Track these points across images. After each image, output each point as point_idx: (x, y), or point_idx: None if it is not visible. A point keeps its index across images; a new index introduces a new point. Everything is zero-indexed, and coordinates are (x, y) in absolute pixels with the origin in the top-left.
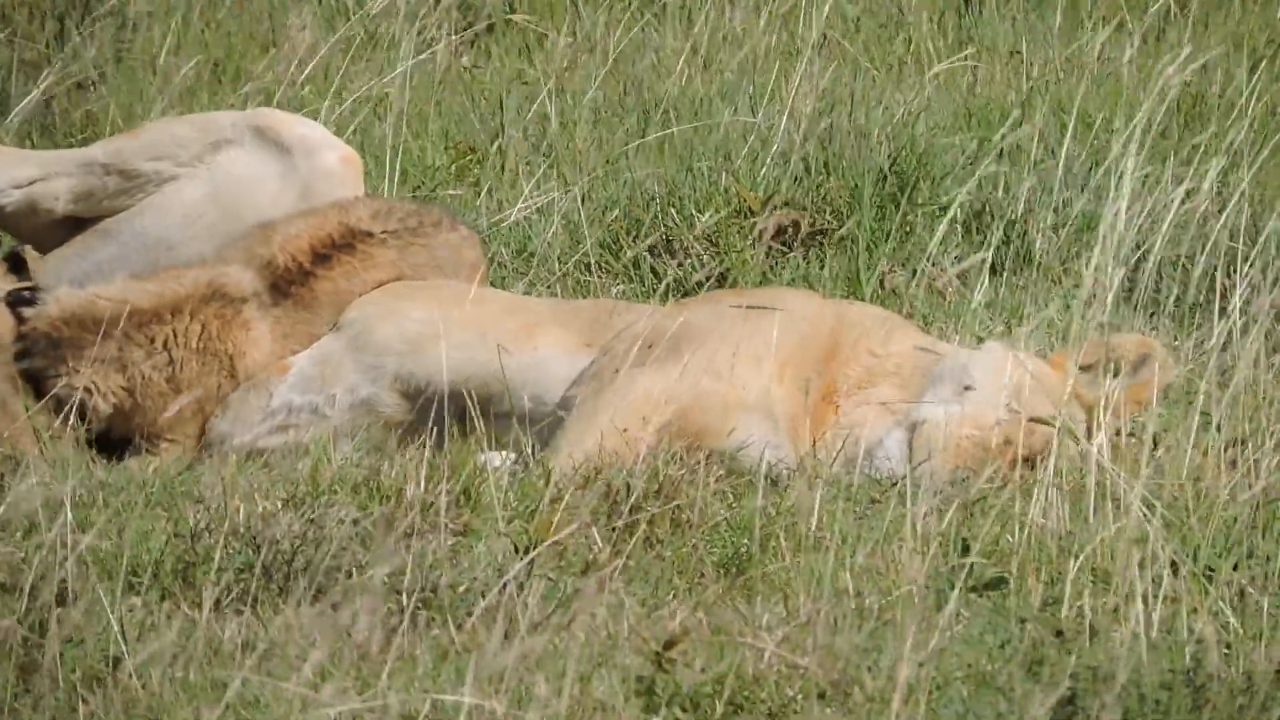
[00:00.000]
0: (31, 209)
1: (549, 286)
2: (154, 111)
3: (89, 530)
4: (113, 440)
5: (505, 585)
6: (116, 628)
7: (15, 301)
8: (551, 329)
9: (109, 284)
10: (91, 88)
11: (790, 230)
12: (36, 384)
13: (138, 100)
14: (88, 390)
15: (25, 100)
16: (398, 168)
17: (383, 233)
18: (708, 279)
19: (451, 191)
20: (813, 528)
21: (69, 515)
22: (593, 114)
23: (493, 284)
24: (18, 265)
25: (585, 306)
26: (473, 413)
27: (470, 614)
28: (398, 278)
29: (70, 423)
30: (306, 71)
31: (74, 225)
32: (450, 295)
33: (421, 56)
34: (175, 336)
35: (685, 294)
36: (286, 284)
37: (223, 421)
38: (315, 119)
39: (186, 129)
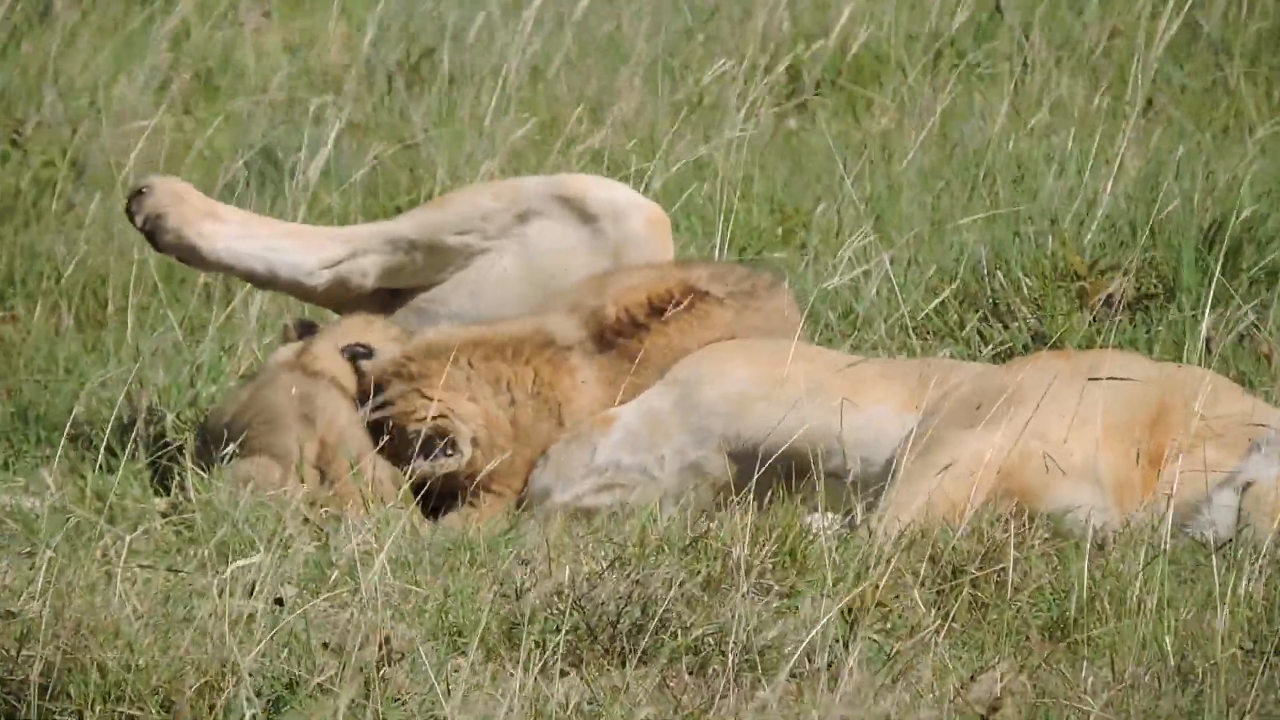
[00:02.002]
0: (342, 286)
1: (874, 349)
2: (480, 173)
3: (413, 589)
4: (443, 492)
5: (830, 647)
6: (440, 688)
7: (354, 355)
8: (880, 388)
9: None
10: (418, 149)
11: (1116, 294)
12: (383, 431)
13: (464, 162)
14: (444, 416)
15: (312, 153)
16: (725, 231)
17: (723, 294)
18: (1033, 342)
19: (777, 255)
20: (1137, 591)
21: (391, 574)
22: (918, 177)
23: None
24: (309, 333)
25: (913, 366)
26: (807, 473)
27: (795, 676)
28: (730, 339)
29: (426, 457)
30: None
31: (384, 296)
32: (777, 354)
33: (746, 120)
34: (515, 378)
35: (1010, 357)
36: (614, 335)
37: (544, 475)
38: (642, 182)
39: (491, 200)
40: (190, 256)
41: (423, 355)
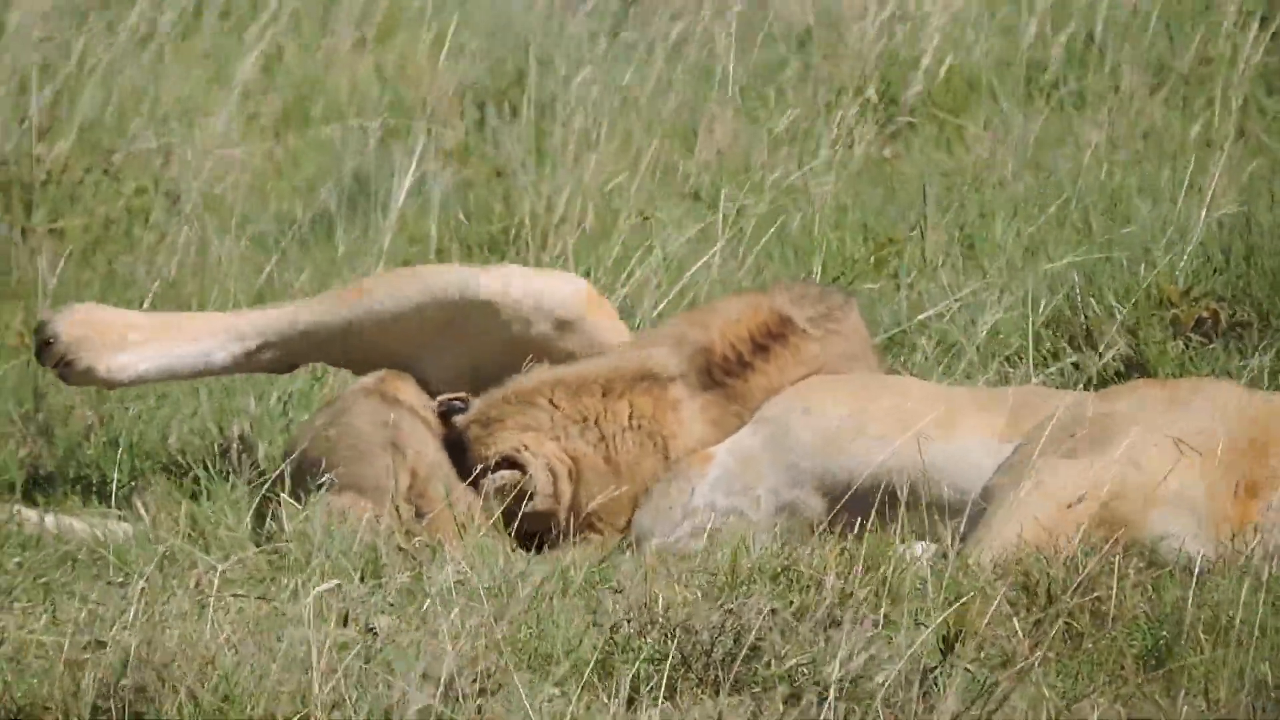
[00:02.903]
0: (258, 366)
1: (967, 377)
2: (562, 200)
3: (507, 619)
4: (532, 528)
5: (925, 676)
6: (536, 718)
7: (447, 411)
8: (973, 417)
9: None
10: (510, 176)
11: (1210, 322)
12: (467, 470)
13: (556, 191)
14: (517, 450)
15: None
16: (818, 260)
17: (807, 320)
18: (1126, 370)
19: (869, 285)
20: (1233, 620)
21: (485, 603)
22: (1011, 205)
23: (913, 376)
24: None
25: (1007, 394)
26: (901, 506)
27: (889, 705)
28: (819, 371)
29: (503, 491)
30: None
31: None
32: (867, 388)
33: (838, 148)
34: (606, 413)
35: (1103, 385)
36: (722, 373)
37: (645, 514)
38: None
39: (416, 294)
40: (105, 387)
41: (500, 401)
